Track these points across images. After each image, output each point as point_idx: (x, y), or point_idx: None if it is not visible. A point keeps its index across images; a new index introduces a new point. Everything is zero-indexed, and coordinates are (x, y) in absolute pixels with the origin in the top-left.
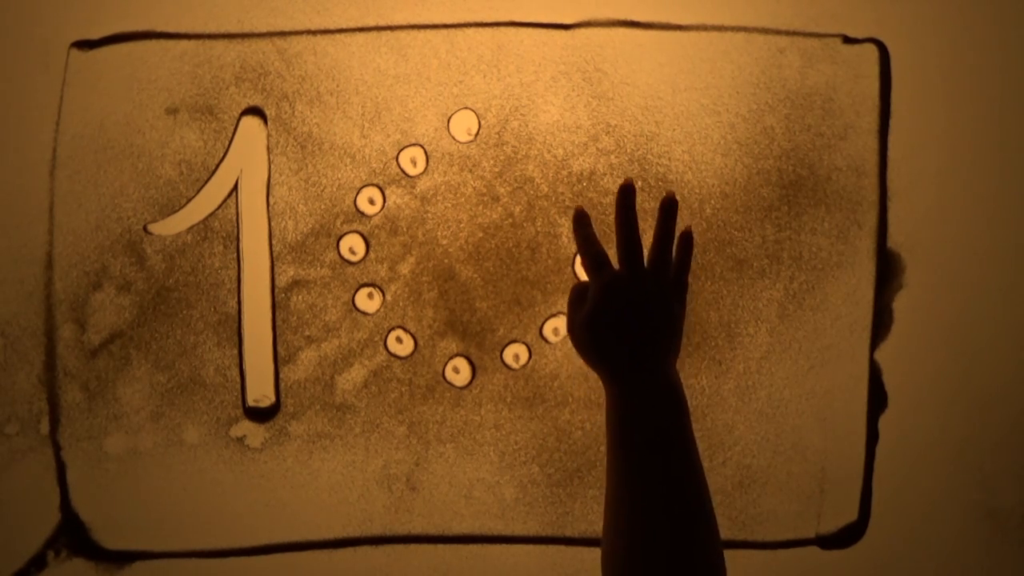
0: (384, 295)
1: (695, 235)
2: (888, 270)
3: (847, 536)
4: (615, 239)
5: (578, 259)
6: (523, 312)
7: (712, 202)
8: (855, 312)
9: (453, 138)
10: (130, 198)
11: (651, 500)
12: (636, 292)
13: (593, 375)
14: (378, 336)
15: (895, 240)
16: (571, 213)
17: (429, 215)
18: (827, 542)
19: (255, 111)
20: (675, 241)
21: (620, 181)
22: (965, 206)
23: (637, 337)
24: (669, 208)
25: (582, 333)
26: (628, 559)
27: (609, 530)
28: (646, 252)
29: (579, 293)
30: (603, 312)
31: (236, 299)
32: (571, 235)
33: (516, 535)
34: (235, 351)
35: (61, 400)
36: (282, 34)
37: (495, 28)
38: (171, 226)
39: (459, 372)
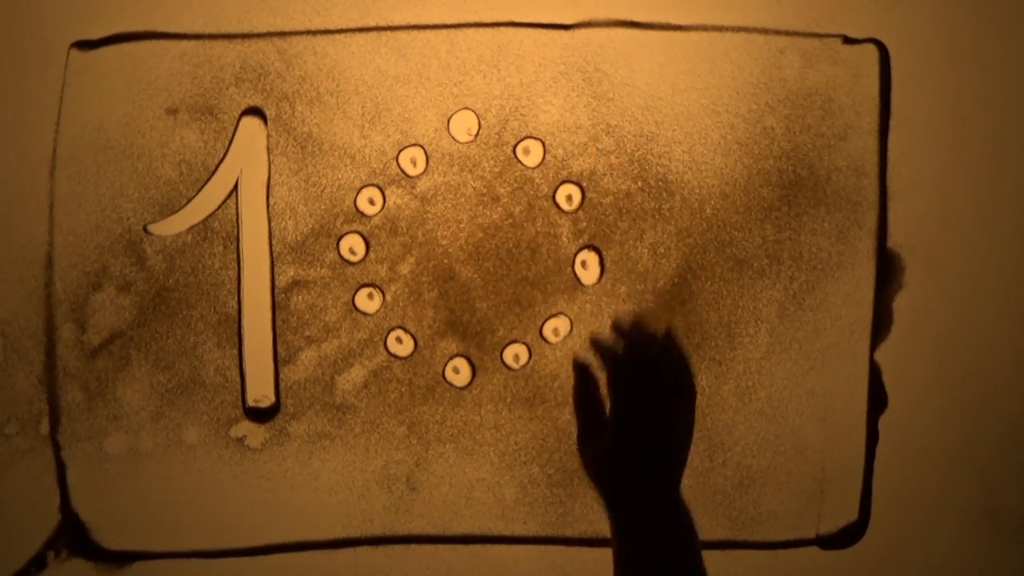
0: (384, 295)
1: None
2: (888, 270)
3: (847, 536)
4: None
5: (579, 265)
6: (523, 312)
7: (712, 202)
8: (855, 312)
9: (453, 138)
10: (130, 198)
11: None
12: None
13: None
14: (378, 336)
15: (895, 240)
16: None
17: (429, 215)
18: (827, 542)
19: (255, 111)
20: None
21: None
22: (965, 206)
23: (652, 471)
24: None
25: (601, 467)
26: None
27: None
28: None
29: (587, 420)
30: (621, 451)
31: (236, 299)
32: (570, 236)
33: (516, 535)
34: (235, 351)
35: (61, 400)
36: (282, 34)
37: (495, 28)
38: (171, 226)
39: (459, 372)
